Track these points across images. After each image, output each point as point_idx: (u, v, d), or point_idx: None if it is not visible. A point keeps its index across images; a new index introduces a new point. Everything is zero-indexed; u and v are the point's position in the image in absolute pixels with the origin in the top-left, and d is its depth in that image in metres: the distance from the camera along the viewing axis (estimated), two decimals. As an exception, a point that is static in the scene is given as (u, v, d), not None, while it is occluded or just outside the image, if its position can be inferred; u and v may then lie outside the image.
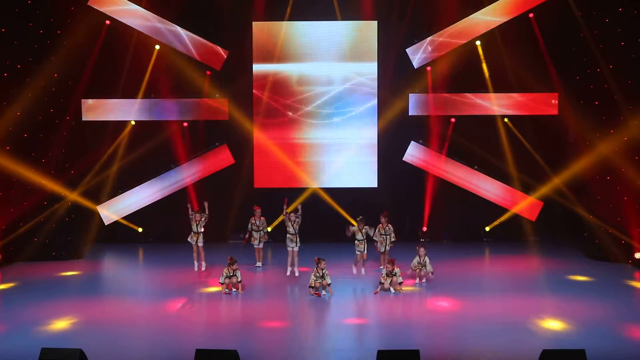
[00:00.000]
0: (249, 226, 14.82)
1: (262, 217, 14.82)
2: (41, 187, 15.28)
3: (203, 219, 14.30)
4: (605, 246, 15.11)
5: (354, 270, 13.93)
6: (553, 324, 10.92)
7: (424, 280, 13.38)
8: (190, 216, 14.38)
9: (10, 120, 14.94)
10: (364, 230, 13.85)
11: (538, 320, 11.11)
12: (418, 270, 13.37)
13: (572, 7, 15.39)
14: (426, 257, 13.41)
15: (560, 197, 16.43)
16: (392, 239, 14.30)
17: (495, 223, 17.03)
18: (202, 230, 14.33)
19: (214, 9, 16.61)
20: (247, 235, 14.88)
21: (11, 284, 13.66)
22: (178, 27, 16.40)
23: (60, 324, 11.09)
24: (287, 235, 14.20)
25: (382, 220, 14.35)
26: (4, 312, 11.85)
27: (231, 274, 12.87)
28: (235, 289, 12.87)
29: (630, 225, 14.80)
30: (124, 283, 14.28)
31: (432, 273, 13.38)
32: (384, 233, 14.25)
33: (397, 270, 12.88)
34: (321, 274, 12.68)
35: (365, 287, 13.20)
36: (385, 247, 14.25)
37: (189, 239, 14.43)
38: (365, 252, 13.90)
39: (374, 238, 14.29)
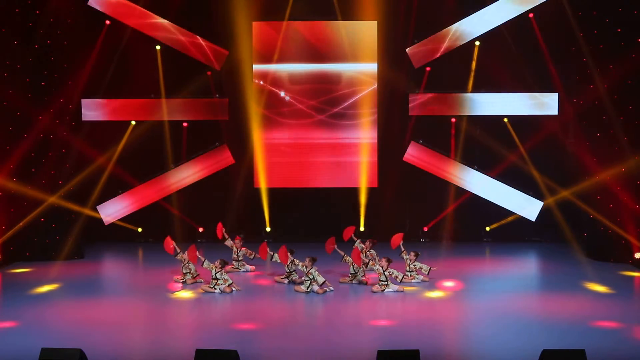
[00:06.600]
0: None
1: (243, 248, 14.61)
2: (41, 187, 15.26)
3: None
4: (605, 246, 15.09)
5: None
6: (552, 324, 10.91)
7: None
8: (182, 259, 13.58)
9: (10, 120, 14.96)
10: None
11: (537, 320, 11.12)
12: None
13: (571, 7, 15.40)
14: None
15: (561, 198, 16.43)
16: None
17: (497, 225, 17.02)
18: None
19: (214, 9, 16.61)
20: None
21: (11, 284, 13.66)
22: (178, 27, 16.41)
23: (60, 324, 11.09)
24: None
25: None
26: (4, 312, 11.83)
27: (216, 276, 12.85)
28: (225, 291, 12.81)
29: (630, 225, 14.78)
30: (123, 283, 14.28)
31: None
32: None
33: (388, 271, 12.86)
34: (307, 270, 12.70)
35: (364, 288, 13.19)
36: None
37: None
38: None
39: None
